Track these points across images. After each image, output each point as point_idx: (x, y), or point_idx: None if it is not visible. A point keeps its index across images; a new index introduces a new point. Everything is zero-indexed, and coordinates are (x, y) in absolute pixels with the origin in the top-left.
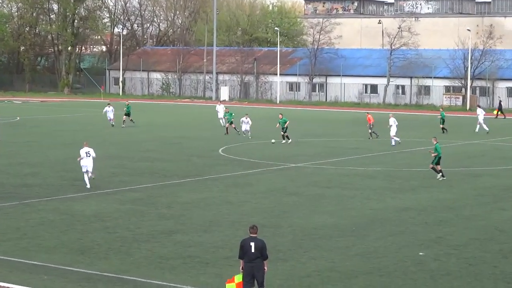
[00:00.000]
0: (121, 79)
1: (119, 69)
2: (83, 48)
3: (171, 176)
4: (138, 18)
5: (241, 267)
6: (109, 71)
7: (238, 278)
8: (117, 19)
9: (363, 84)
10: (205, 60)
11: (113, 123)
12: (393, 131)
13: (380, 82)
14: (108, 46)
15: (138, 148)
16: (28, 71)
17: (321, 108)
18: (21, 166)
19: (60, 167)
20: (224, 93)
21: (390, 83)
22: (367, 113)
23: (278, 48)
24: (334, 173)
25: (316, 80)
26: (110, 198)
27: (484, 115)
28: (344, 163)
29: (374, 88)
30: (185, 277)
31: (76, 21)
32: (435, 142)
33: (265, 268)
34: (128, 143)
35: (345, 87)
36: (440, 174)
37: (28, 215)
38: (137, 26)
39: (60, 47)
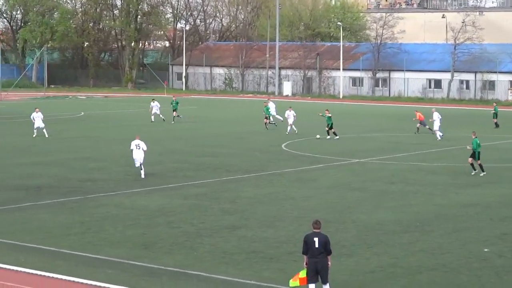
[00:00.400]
0: (184, 74)
1: (182, 65)
2: (146, 43)
3: (235, 171)
4: (200, 13)
5: (305, 263)
6: (172, 67)
7: (302, 273)
8: (179, 14)
9: (427, 79)
10: (267, 55)
11: (163, 118)
12: (436, 125)
13: (444, 77)
14: (171, 41)
15: (200, 143)
16: (92, 67)
17: (384, 103)
18: (86, 161)
19: (124, 161)
20: (287, 88)
21: (454, 78)
22: (416, 110)
23: (341, 43)
24: (398, 169)
25: (379, 75)
26: (174, 193)
27: None
28: (407, 159)
29: (438, 83)
30: (249, 272)
31: (139, 16)
32: (474, 137)
33: (329, 263)
34: (191, 138)
35: (409, 82)
36: (473, 169)
37: (93, 209)
38: (200, 21)
39: (123, 42)
